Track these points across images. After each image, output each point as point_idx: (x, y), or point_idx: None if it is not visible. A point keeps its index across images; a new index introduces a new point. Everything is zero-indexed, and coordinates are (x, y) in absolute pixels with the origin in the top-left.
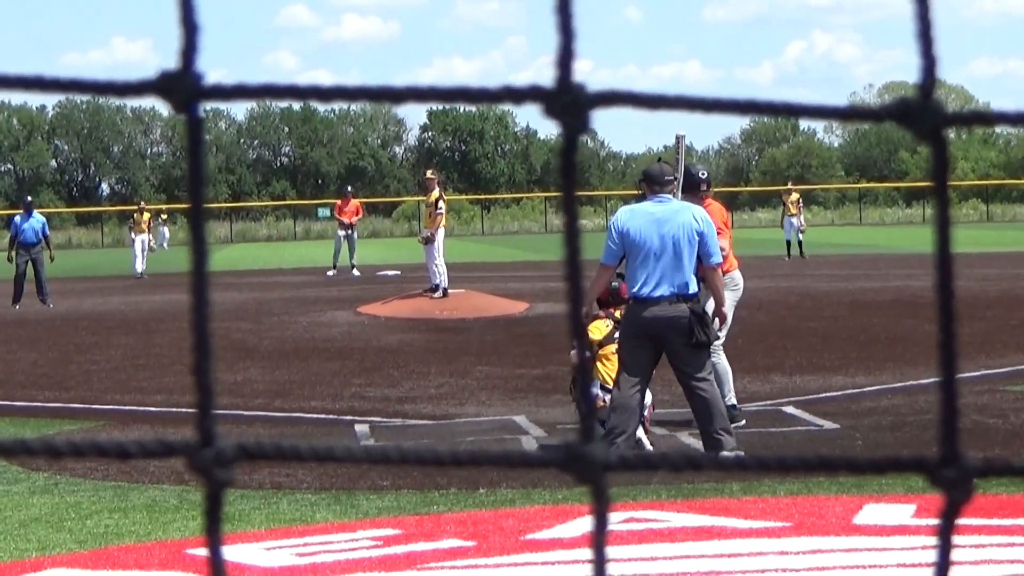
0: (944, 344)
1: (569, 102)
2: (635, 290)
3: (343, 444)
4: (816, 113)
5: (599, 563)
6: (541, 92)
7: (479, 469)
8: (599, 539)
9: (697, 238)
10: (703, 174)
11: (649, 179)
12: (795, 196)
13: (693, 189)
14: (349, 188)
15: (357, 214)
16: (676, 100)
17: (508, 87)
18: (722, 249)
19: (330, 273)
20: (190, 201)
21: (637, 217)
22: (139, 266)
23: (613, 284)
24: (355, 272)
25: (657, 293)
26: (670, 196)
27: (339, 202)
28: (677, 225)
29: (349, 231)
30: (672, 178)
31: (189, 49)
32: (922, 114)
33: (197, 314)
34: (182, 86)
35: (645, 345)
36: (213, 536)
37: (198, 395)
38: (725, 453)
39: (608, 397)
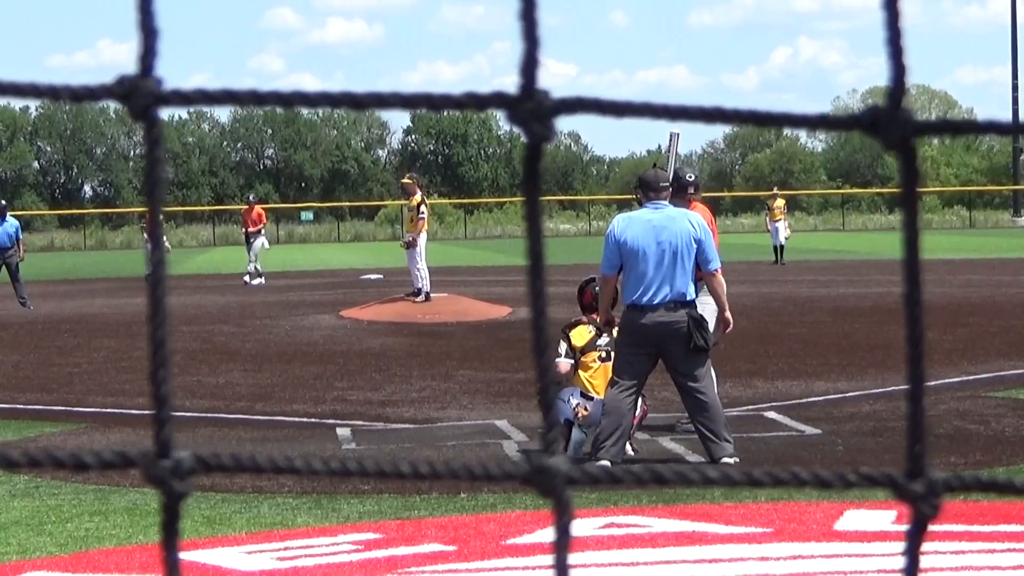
0: (912, 359)
1: (533, 109)
2: (633, 297)
3: (302, 456)
4: (786, 121)
5: (561, 574)
6: (505, 99)
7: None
8: (561, 554)
9: (695, 245)
10: (691, 177)
11: (645, 185)
12: (780, 202)
13: (681, 192)
14: (252, 196)
15: (260, 222)
16: (641, 107)
17: (472, 94)
18: None
19: (255, 281)
20: (148, 206)
21: (634, 225)
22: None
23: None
24: (260, 280)
25: (656, 300)
26: (666, 202)
27: (244, 210)
28: (675, 232)
29: (253, 239)
30: (667, 184)
31: (148, 54)
32: (890, 123)
33: (153, 323)
34: (141, 91)
35: (642, 352)
36: (170, 548)
37: (154, 406)
38: (725, 459)
39: (589, 405)
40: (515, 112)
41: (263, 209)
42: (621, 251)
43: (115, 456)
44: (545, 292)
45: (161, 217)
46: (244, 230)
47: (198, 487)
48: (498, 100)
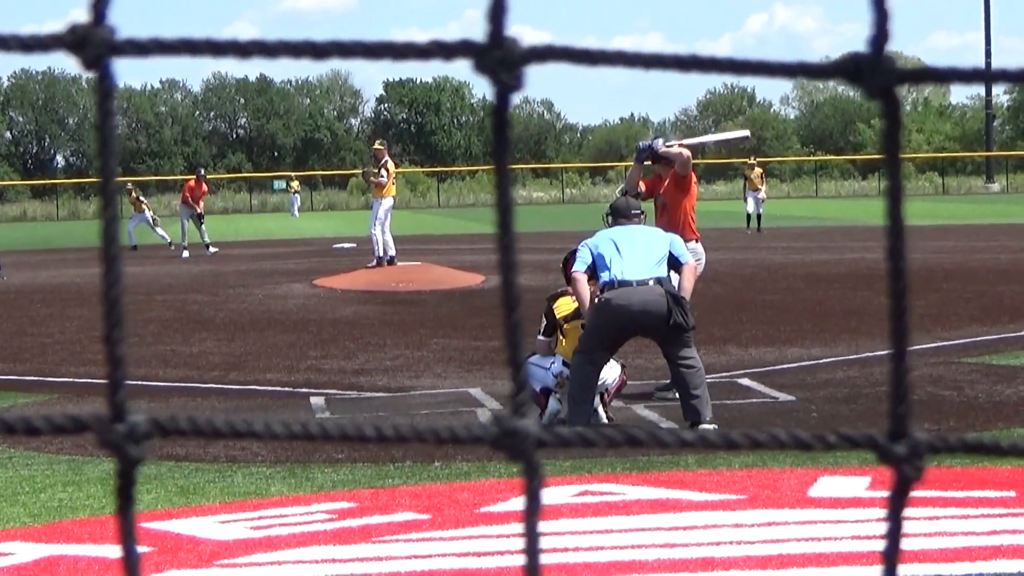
0: (896, 314)
1: (502, 57)
2: (609, 277)
3: (262, 419)
4: (764, 69)
5: (531, 540)
6: (472, 47)
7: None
8: (531, 517)
9: (667, 239)
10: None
11: (615, 212)
12: (758, 171)
13: (667, 163)
14: (203, 171)
15: (201, 199)
16: (613, 55)
17: (437, 41)
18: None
19: (186, 254)
20: (100, 163)
21: (606, 232)
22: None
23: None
24: (187, 253)
25: (630, 277)
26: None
27: (191, 183)
28: (645, 229)
29: (198, 215)
30: (639, 212)
31: (100, 0)
32: (873, 71)
33: (107, 281)
34: (93, 40)
35: (617, 330)
36: (125, 515)
37: (108, 367)
38: (704, 426)
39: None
40: (483, 61)
41: (207, 189)
42: (594, 253)
43: (67, 420)
44: (515, 246)
45: (113, 171)
46: (191, 208)
47: (172, 457)
48: (465, 48)
